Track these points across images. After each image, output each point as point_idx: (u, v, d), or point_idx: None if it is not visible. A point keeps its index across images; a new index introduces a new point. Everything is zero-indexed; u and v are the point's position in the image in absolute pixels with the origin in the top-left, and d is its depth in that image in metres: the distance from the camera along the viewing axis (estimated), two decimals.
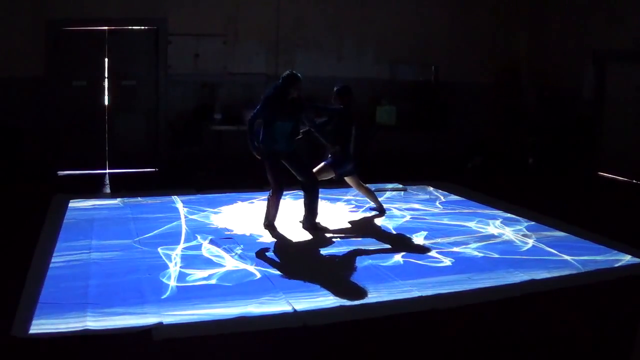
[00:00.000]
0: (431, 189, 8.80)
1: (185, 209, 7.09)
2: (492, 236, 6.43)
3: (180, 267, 5.14)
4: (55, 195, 7.46)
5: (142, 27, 9.42)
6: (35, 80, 8.74)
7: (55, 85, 8.92)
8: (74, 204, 7.20)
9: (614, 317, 4.48)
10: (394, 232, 6.48)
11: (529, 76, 11.25)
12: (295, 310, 4.36)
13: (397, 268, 5.34)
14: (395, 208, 7.53)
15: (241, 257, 5.45)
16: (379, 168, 9.60)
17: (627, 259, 5.78)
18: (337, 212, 7.30)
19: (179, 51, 9.38)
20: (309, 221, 6.45)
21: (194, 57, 9.49)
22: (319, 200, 6.52)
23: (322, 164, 6.86)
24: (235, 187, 8.19)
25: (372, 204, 7.36)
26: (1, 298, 4.38)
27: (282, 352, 3.88)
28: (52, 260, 5.20)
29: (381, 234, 6.40)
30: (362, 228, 6.63)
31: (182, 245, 5.76)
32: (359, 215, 7.18)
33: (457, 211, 7.48)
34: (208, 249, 5.66)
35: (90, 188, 8.25)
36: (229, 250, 5.63)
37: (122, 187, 8.20)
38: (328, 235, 6.35)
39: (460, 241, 6.18)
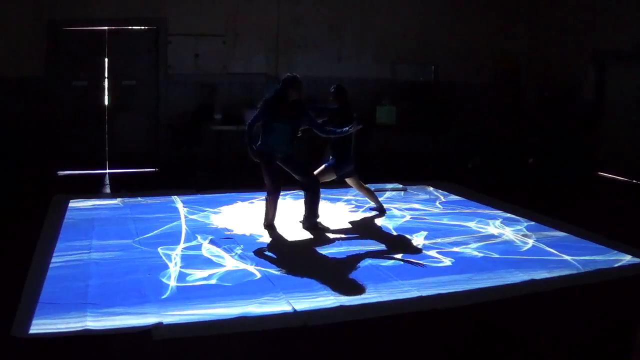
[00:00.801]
0: (431, 189, 8.80)
1: (185, 209, 7.09)
2: (492, 236, 6.43)
3: (180, 267, 5.14)
4: (55, 195, 7.46)
5: (142, 27, 9.42)
6: (35, 80, 8.74)
7: (55, 85, 8.93)
8: (74, 204, 7.20)
9: (614, 317, 4.48)
10: (394, 232, 6.48)
11: (529, 76, 11.25)
12: (295, 310, 4.36)
13: (397, 268, 5.34)
14: (395, 208, 7.53)
15: (241, 257, 5.45)
16: (379, 168, 9.60)
17: (627, 259, 5.78)
18: (337, 212, 7.30)
19: (179, 51, 9.38)
20: (310, 221, 6.46)
21: (194, 57, 9.50)
22: (320, 200, 6.52)
23: (323, 166, 6.86)
24: (235, 187, 8.19)
25: (373, 204, 7.36)
26: (1, 298, 4.38)
27: (282, 352, 3.88)
28: (52, 260, 5.20)
29: (381, 234, 6.40)
30: (362, 228, 6.62)
31: (182, 245, 5.76)
32: (359, 215, 7.18)
33: (457, 211, 7.49)
34: (208, 249, 5.66)
35: (90, 188, 8.25)
36: (229, 250, 5.63)
37: (122, 187, 8.20)
38: (328, 235, 6.35)
39: (460, 241, 6.18)
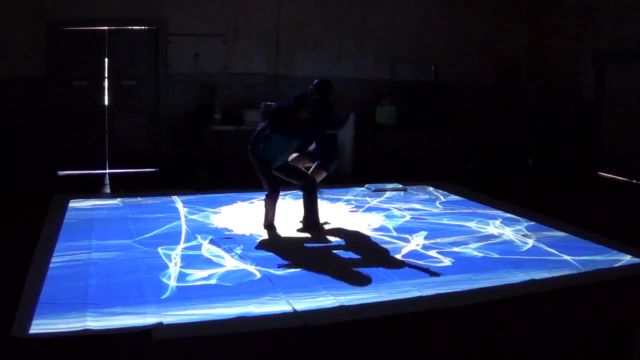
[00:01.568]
0: (431, 189, 8.80)
1: (185, 209, 7.09)
2: (492, 236, 6.43)
3: (180, 267, 5.14)
4: (55, 195, 7.46)
5: (142, 27, 9.42)
6: (35, 80, 8.74)
7: (55, 85, 8.92)
8: (74, 204, 7.20)
9: (614, 317, 4.48)
10: (394, 232, 6.48)
11: (529, 76, 11.25)
12: (295, 310, 4.36)
13: (397, 268, 5.34)
14: (395, 208, 7.53)
15: (241, 257, 5.46)
16: (379, 168, 9.60)
17: (627, 259, 5.78)
18: (337, 212, 7.30)
19: (179, 51, 9.38)
20: (309, 221, 6.45)
21: (194, 57, 9.49)
22: (318, 199, 6.51)
23: (312, 167, 6.85)
24: (235, 187, 8.19)
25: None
26: (1, 298, 4.38)
27: (282, 352, 3.88)
28: (52, 260, 5.20)
29: (381, 234, 6.40)
30: (362, 228, 6.62)
31: (182, 245, 5.76)
32: (359, 215, 7.18)
33: (457, 211, 7.49)
34: (208, 249, 5.66)
35: (90, 188, 8.25)
36: (229, 250, 5.63)
37: (122, 187, 8.21)
38: (328, 235, 6.35)
39: (460, 241, 6.18)
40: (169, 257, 5.39)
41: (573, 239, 6.40)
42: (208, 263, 5.29)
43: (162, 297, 4.51)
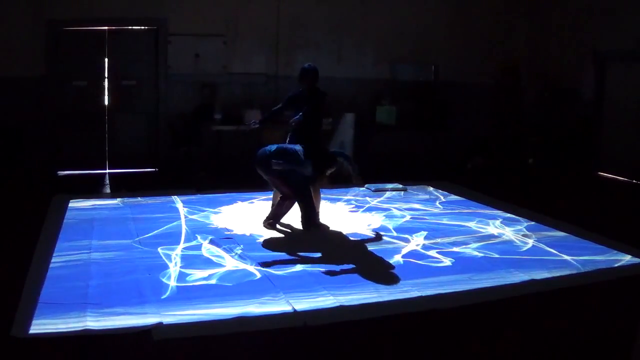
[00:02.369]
0: (431, 189, 8.80)
1: (185, 209, 7.09)
2: (492, 236, 6.43)
3: (180, 267, 5.14)
4: (55, 195, 7.46)
5: (142, 27, 9.42)
6: (35, 80, 8.74)
7: (55, 85, 8.93)
8: (74, 204, 7.20)
9: (614, 317, 4.48)
10: (394, 232, 6.47)
11: (529, 76, 11.25)
12: (295, 310, 4.35)
13: (397, 268, 5.34)
14: (395, 208, 7.53)
15: (241, 257, 5.45)
16: (379, 168, 9.60)
17: (627, 259, 5.78)
18: (337, 212, 7.29)
19: (179, 51, 9.38)
20: (308, 220, 6.45)
21: (194, 57, 9.50)
22: (311, 199, 6.46)
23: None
24: (235, 187, 8.19)
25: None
26: (1, 298, 4.38)
27: (282, 352, 3.88)
28: (52, 260, 5.20)
29: (381, 234, 6.40)
30: (362, 228, 6.62)
31: (182, 245, 5.76)
32: (358, 215, 7.17)
33: (457, 211, 7.49)
34: (208, 249, 5.66)
35: (90, 188, 8.25)
36: (229, 250, 5.63)
37: (122, 187, 8.21)
38: (328, 235, 6.35)
39: (460, 241, 6.18)
40: (169, 257, 5.39)
41: (573, 239, 6.40)
42: (208, 263, 5.29)
43: (162, 297, 4.50)
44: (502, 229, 6.72)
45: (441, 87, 10.94)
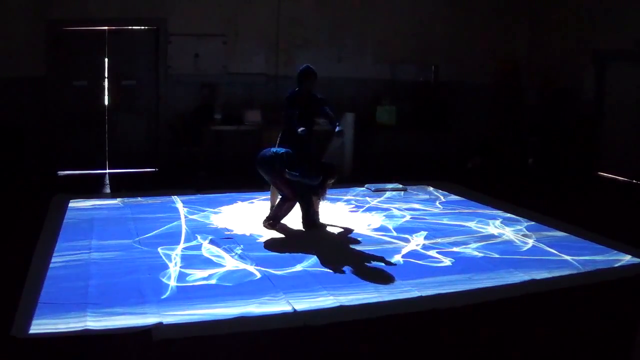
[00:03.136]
0: (431, 189, 8.80)
1: (185, 209, 7.09)
2: (492, 236, 6.43)
3: (180, 267, 5.14)
4: (55, 195, 7.46)
5: (142, 27, 9.42)
6: (35, 80, 8.74)
7: (55, 85, 8.93)
8: (74, 204, 7.20)
9: (614, 317, 4.48)
10: (394, 232, 6.47)
11: (529, 76, 11.24)
12: (295, 310, 4.35)
13: (397, 268, 5.34)
14: (395, 208, 7.53)
15: (241, 257, 5.45)
16: (379, 168, 9.60)
17: (627, 259, 5.78)
18: (337, 212, 7.29)
19: (179, 51, 9.38)
20: (308, 220, 6.45)
21: (194, 57, 9.49)
22: (312, 200, 6.48)
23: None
24: (235, 187, 8.19)
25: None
26: (1, 298, 4.38)
27: (282, 352, 3.88)
28: (52, 260, 5.20)
29: (381, 234, 6.40)
30: (361, 228, 6.62)
31: (182, 245, 5.76)
32: (359, 215, 7.17)
33: (457, 211, 7.48)
34: (208, 249, 5.66)
35: (90, 188, 8.25)
36: (229, 250, 5.63)
37: (122, 187, 8.21)
38: (328, 235, 6.35)
39: (460, 241, 6.18)
40: (169, 257, 5.39)
41: (573, 239, 6.40)
42: (208, 263, 5.29)
43: (162, 297, 4.51)
44: (502, 229, 6.72)
45: (441, 87, 10.94)
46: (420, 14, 10.64)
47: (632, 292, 5.00)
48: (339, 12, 10.21)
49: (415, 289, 4.84)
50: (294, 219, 6.70)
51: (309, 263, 5.40)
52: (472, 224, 6.87)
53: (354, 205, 7.63)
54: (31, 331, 3.86)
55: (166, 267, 5.14)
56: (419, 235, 6.36)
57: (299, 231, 6.43)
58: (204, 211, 7.03)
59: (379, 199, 7.99)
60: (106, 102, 9.38)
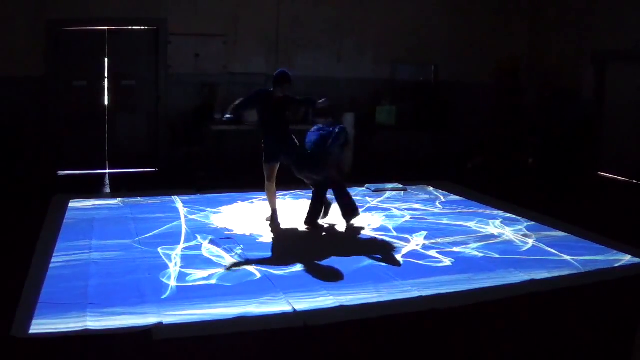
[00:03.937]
0: (431, 189, 8.80)
1: (185, 209, 7.09)
2: (492, 236, 6.43)
3: (180, 267, 5.14)
4: (55, 195, 7.46)
5: (142, 27, 9.42)
6: (35, 80, 8.74)
7: (55, 85, 8.93)
8: (74, 204, 7.20)
9: (614, 317, 4.48)
10: (394, 232, 6.47)
11: (529, 76, 11.24)
12: (295, 310, 4.36)
13: (397, 268, 5.35)
14: (395, 208, 7.53)
15: (241, 257, 5.45)
16: (379, 168, 9.60)
17: (627, 259, 5.78)
18: (337, 212, 7.28)
19: (179, 51, 9.38)
20: (312, 218, 6.50)
21: (194, 57, 9.49)
22: (320, 199, 6.53)
23: None
24: (235, 187, 8.19)
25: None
26: (1, 298, 4.38)
27: (282, 352, 3.88)
28: (52, 260, 5.20)
29: (381, 234, 6.40)
30: (361, 228, 6.62)
31: (182, 245, 5.76)
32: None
33: (457, 211, 7.48)
34: (208, 249, 5.66)
35: (90, 188, 8.25)
36: (229, 250, 5.63)
37: (122, 187, 8.21)
38: (328, 235, 6.35)
39: (460, 241, 6.18)
40: (169, 257, 5.39)
41: (573, 239, 6.40)
42: (208, 263, 5.29)
43: (162, 297, 4.51)
44: (502, 229, 6.72)
45: (441, 87, 10.94)
46: (420, 13, 10.64)
47: (632, 292, 5.00)
48: (339, 12, 10.21)
49: (415, 289, 4.85)
50: (294, 219, 6.71)
51: (309, 263, 5.40)
52: (472, 224, 6.87)
53: None
54: (31, 331, 3.87)
55: (166, 267, 5.14)
56: (419, 235, 6.36)
57: (298, 231, 6.43)
58: (204, 211, 7.03)
59: (379, 199, 7.99)
60: (106, 102, 9.37)
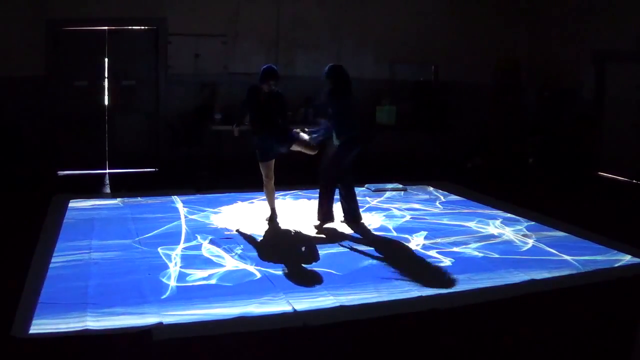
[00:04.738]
0: (431, 189, 8.80)
1: (185, 209, 7.09)
2: (492, 236, 6.43)
3: (180, 267, 5.14)
4: (55, 195, 7.46)
5: (142, 27, 9.42)
6: (35, 80, 8.74)
7: (55, 85, 8.93)
8: (74, 204, 7.20)
9: (614, 317, 4.48)
10: (394, 232, 6.47)
11: (529, 76, 11.24)
12: (295, 310, 4.36)
13: (397, 268, 5.34)
14: (395, 208, 7.53)
15: (241, 257, 5.46)
16: (379, 168, 9.60)
17: (627, 259, 5.78)
18: (338, 212, 7.28)
19: (179, 51, 9.38)
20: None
21: (194, 57, 9.49)
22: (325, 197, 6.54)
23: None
24: (235, 187, 8.19)
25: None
26: (1, 298, 4.38)
27: (282, 352, 3.88)
28: (52, 260, 5.20)
29: (381, 234, 6.40)
30: (362, 228, 6.62)
31: (182, 245, 5.76)
32: None
33: (457, 211, 7.48)
34: (208, 249, 5.66)
35: (90, 188, 8.25)
36: (229, 250, 5.63)
37: (122, 187, 8.21)
38: (328, 235, 6.35)
39: (460, 241, 6.18)
40: (169, 257, 5.39)
41: (573, 239, 6.40)
42: (208, 263, 5.29)
43: (162, 297, 4.51)
44: (502, 229, 6.72)
45: (441, 87, 10.93)
46: (420, 13, 10.63)
47: (632, 292, 5.00)
48: (339, 12, 10.21)
49: (415, 289, 4.85)
50: (293, 219, 6.70)
51: (309, 263, 5.40)
52: (472, 224, 6.87)
53: None
54: (31, 331, 3.87)
55: (166, 267, 5.14)
56: (419, 235, 6.36)
57: (298, 231, 6.43)
58: (204, 211, 7.03)
59: (379, 199, 7.99)
60: (106, 102, 9.37)
